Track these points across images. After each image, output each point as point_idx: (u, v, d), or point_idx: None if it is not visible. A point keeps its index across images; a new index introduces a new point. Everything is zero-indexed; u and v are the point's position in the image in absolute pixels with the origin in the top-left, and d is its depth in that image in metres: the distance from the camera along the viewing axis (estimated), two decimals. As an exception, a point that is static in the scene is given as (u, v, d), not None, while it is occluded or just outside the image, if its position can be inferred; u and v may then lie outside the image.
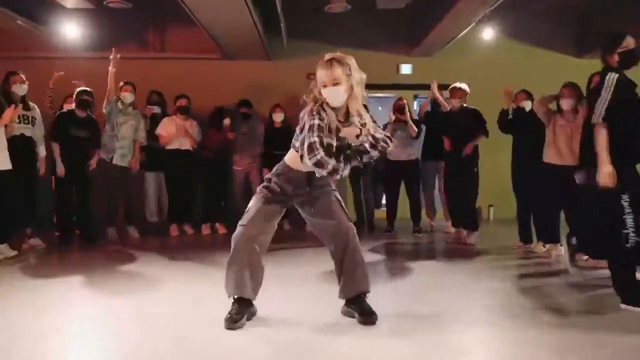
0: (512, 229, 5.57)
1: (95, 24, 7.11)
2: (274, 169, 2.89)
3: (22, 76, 5.02)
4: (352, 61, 2.74)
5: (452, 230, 5.92)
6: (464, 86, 5.68)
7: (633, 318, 2.96)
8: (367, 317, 2.77)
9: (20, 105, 4.89)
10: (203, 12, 5.60)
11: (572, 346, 2.52)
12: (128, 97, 5.81)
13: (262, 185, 2.90)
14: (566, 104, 4.68)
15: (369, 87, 8.10)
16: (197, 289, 3.67)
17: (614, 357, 2.41)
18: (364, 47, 7.72)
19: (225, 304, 2.78)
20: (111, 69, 5.63)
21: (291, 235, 6.07)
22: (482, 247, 5.36)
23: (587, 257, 4.30)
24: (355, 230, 2.85)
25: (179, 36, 7.57)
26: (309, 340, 2.56)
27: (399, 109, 6.13)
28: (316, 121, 2.60)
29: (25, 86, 5.03)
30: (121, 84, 5.86)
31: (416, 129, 6.11)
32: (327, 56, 2.72)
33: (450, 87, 5.72)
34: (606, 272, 3.35)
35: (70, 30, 6.59)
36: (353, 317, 2.84)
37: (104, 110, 5.72)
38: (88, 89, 5.49)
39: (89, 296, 3.52)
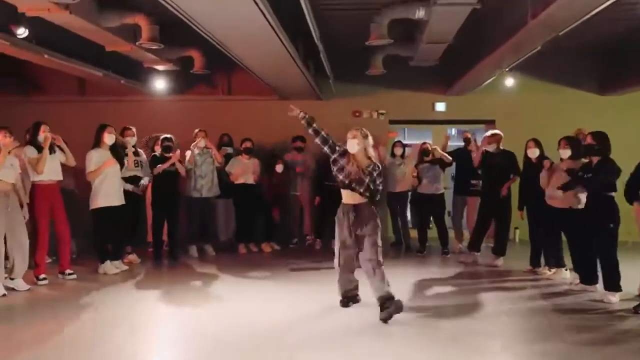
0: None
1: (176, 73, 8.49)
2: None
3: (133, 130, 6.44)
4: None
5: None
6: (497, 131, 6.67)
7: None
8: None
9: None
10: (263, 72, 6.81)
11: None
12: (202, 142, 7.13)
13: None
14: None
15: (407, 122, 9.64)
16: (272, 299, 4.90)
17: None
18: (403, 88, 8.83)
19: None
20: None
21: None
22: (504, 269, 6.38)
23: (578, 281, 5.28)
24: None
25: (243, 80, 8.79)
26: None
27: (422, 153, 7.23)
28: None
29: (135, 138, 6.46)
30: (196, 131, 7.19)
31: (450, 158, 7.17)
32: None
33: (489, 133, 6.71)
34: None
35: (160, 83, 8.03)
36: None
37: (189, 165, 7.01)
38: (169, 135, 6.83)
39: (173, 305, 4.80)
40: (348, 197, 4.42)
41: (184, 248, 7.10)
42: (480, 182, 7.18)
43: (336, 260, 4.58)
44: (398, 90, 8.78)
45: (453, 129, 10.09)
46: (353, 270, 4.57)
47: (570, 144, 5.54)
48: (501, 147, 6.61)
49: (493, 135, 6.62)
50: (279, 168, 7.55)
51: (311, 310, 4.56)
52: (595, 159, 5.06)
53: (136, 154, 6.55)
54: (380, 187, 4.44)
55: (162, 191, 6.71)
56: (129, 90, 8.46)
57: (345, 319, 4.35)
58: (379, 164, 4.48)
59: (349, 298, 4.63)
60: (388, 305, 4.17)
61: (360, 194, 4.32)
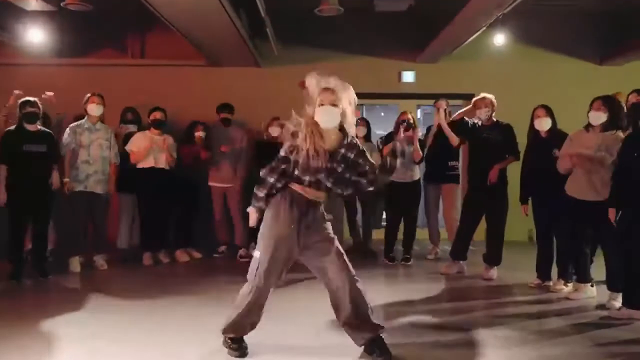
0: (524, 255, 5.07)
1: (66, 28, 6.47)
2: None
3: None
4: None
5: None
6: (489, 96, 4.89)
7: None
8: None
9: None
10: (177, 17, 5.08)
11: None
12: (96, 109, 5.15)
13: None
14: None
15: (367, 96, 7.17)
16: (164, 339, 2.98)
17: None
18: (362, 52, 7.14)
19: None
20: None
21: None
22: (500, 283, 4.73)
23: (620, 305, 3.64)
24: None
25: (161, 41, 6.91)
26: None
27: (405, 125, 5.39)
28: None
29: None
30: (88, 95, 5.21)
31: (421, 154, 5.43)
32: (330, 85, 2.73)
33: (480, 96, 4.93)
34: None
35: (35, 35, 5.89)
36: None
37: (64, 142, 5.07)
38: (32, 99, 4.75)
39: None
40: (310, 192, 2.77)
41: (63, 261, 5.09)
42: (458, 164, 5.57)
43: (254, 270, 2.75)
44: (356, 55, 7.05)
45: (419, 111, 8.45)
46: (268, 291, 2.81)
47: (609, 106, 3.91)
48: (494, 119, 4.93)
49: (484, 99, 4.86)
50: (200, 135, 5.65)
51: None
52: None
53: None
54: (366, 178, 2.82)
55: (25, 178, 4.67)
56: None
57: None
58: (355, 139, 2.80)
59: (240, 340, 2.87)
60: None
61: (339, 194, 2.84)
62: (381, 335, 2.81)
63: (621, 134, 3.85)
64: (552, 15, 6.89)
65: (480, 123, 4.91)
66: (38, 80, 6.29)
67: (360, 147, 2.78)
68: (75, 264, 5.10)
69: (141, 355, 2.90)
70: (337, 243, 2.82)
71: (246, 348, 2.85)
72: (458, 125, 5.07)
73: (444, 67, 7.12)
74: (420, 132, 5.87)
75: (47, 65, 6.67)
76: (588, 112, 4.00)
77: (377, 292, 4.34)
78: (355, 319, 2.75)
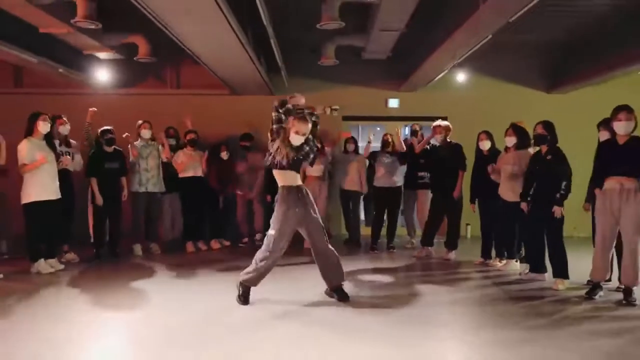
0: (475, 245, 6.52)
1: (121, 66, 8.13)
2: None
3: (65, 119, 6.08)
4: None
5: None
6: (444, 123, 6.55)
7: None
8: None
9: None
10: (210, 59, 6.57)
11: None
12: (147, 133, 6.82)
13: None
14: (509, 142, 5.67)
15: (360, 118, 9.45)
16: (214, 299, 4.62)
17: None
18: (356, 83, 8.76)
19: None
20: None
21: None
22: (455, 262, 6.38)
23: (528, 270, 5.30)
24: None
25: (193, 74, 8.56)
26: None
27: (383, 143, 7.12)
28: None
29: (68, 127, 6.09)
30: (140, 122, 6.86)
31: (404, 148, 7.05)
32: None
33: (437, 123, 6.59)
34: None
35: (102, 74, 7.62)
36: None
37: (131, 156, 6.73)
38: (109, 127, 6.42)
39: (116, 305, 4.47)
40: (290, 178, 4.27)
41: (128, 247, 6.74)
42: (428, 174, 7.16)
43: (270, 243, 4.24)
44: (351, 85, 8.71)
45: (406, 128, 10.12)
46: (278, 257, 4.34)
47: (517, 132, 5.58)
48: (448, 140, 6.57)
49: (440, 125, 6.53)
50: (225, 155, 7.33)
51: (270, 309, 4.34)
52: (544, 148, 5.11)
53: (68, 145, 6.18)
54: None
55: (105, 187, 6.33)
56: (70, 82, 8.03)
57: (302, 310, 4.18)
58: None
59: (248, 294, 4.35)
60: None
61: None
62: (342, 284, 4.39)
63: (530, 151, 5.51)
64: (506, 50, 8.31)
65: (437, 144, 6.58)
66: (101, 105, 7.98)
67: (310, 138, 4.22)
68: (137, 249, 6.76)
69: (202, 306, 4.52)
70: (317, 213, 4.29)
71: (249, 297, 4.28)
72: (423, 151, 6.84)
73: (422, 95, 8.79)
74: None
75: (108, 94, 8.34)
76: (504, 136, 5.66)
77: (365, 268, 5.97)
78: (326, 266, 4.33)
